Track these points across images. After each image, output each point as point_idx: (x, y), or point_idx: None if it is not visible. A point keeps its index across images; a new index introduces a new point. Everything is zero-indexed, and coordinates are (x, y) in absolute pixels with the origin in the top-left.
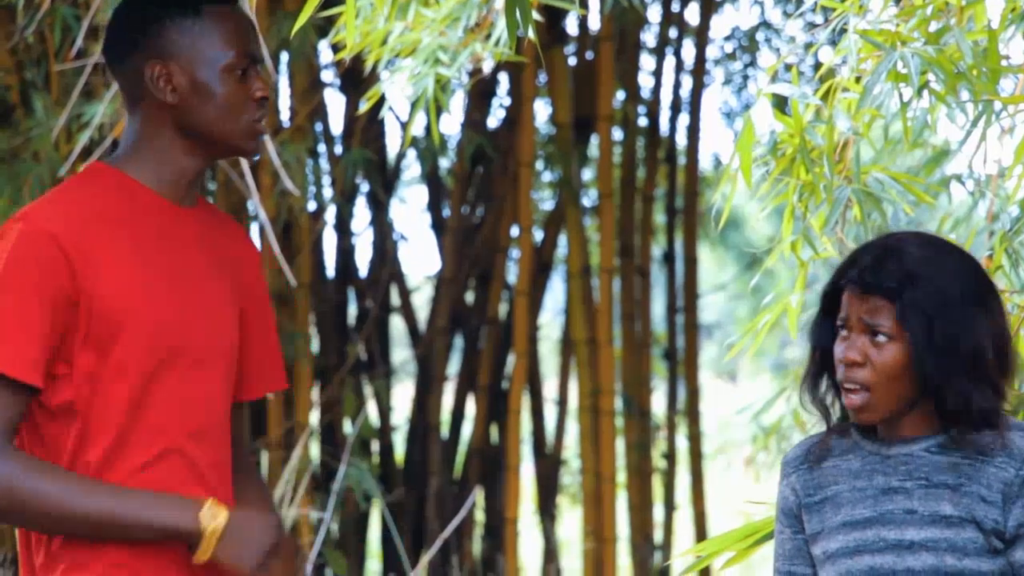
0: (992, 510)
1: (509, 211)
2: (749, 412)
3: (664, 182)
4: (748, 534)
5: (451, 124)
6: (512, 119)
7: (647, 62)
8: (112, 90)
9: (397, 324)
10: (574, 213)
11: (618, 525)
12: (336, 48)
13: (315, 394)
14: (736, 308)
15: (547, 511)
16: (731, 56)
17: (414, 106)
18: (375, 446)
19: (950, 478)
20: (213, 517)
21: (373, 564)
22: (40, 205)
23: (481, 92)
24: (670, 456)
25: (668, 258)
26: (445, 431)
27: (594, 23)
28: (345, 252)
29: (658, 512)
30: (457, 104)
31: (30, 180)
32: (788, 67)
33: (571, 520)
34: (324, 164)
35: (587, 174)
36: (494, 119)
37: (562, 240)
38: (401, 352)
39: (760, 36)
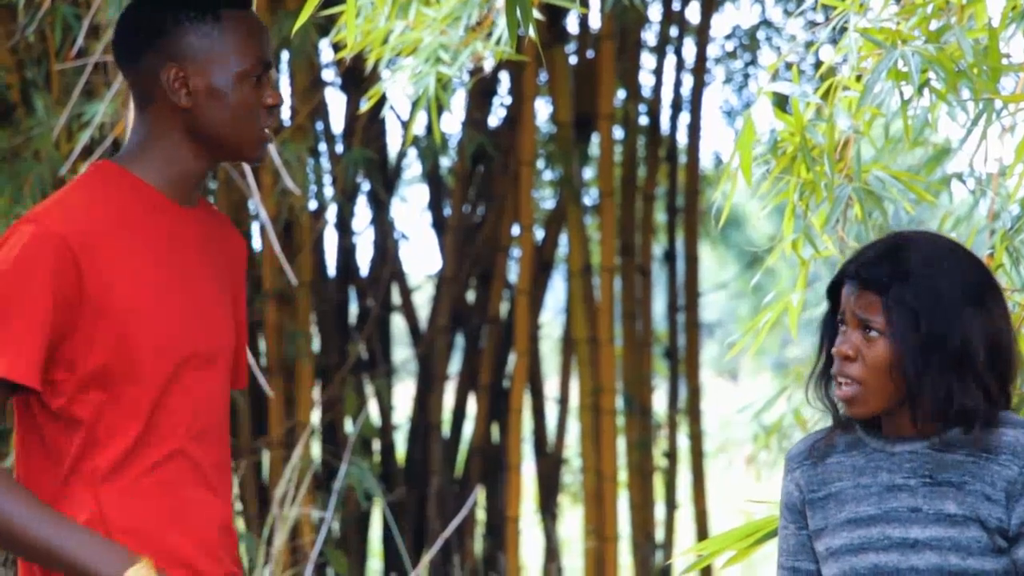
0: (996, 508)
1: (510, 210)
2: (750, 411)
3: (665, 181)
4: (749, 533)
5: (452, 123)
6: (513, 118)
7: (648, 61)
8: (113, 89)
9: (398, 323)
10: (575, 212)
11: (619, 524)
12: (337, 47)
13: (316, 393)
14: (737, 307)
15: (548, 510)
16: (732, 55)
17: (415, 105)
18: (376, 445)
19: (954, 476)
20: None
21: (374, 563)
22: (51, 207)
23: (482, 91)
24: (671, 455)
25: (669, 257)
26: (446, 430)
27: (595, 22)
28: (346, 251)
29: (659, 511)
30: (458, 103)
31: (31, 179)
32: (789, 65)
33: (572, 519)
34: (325, 163)
35: (588, 173)
36: (495, 118)
37: (563, 239)
38: (402, 351)
39: (761, 35)
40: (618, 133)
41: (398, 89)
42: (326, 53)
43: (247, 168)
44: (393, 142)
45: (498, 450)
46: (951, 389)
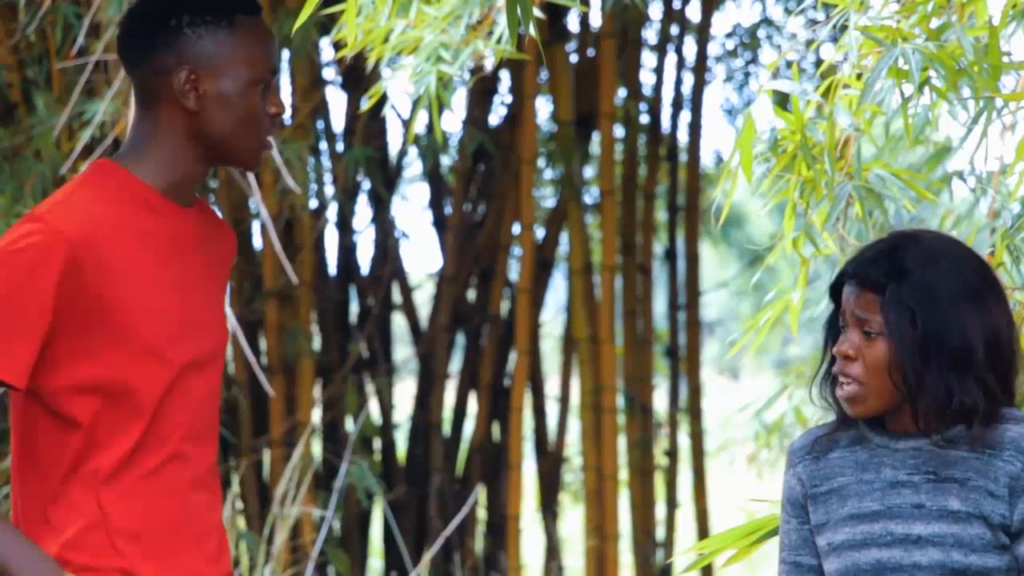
0: (999, 505)
1: (511, 208)
2: (751, 409)
3: (666, 179)
4: (750, 532)
5: (453, 121)
6: (514, 116)
7: (648, 59)
8: (114, 88)
9: (399, 322)
10: (576, 210)
11: (620, 522)
12: (338, 46)
13: (317, 392)
14: (738, 305)
15: (549, 509)
16: (732, 53)
17: (416, 103)
18: (377, 444)
19: (958, 472)
20: None
21: (375, 562)
22: (55, 206)
23: (483, 89)
24: (672, 453)
25: (670, 255)
26: (447, 429)
27: (595, 20)
28: (347, 250)
29: (660, 510)
30: (459, 101)
31: (32, 178)
32: (789, 64)
33: (573, 518)
34: (326, 162)
35: (589, 171)
36: (496, 116)
37: (564, 237)
38: (403, 350)
39: (761, 33)
40: (619, 131)
41: (399, 88)
42: (327, 52)
43: None
44: (394, 140)
45: (499, 449)
46: (951, 387)
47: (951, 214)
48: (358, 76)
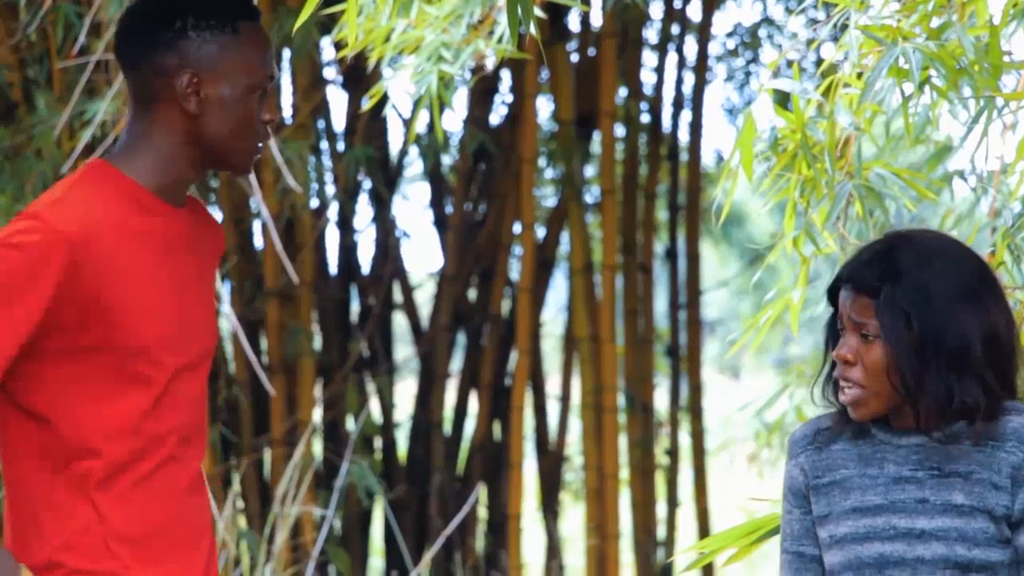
0: (1003, 496)
1: (511, 208)
2: (752, 409)
3: (666, 178)
4: (751, 531)
5: (453, 121)
6: (514, 116)
7: (649, 58)
8: (114, 88)
9: (400, 321)
10: (576, 210)
11: (621, 521)
12: (339, 45)
13: (318, 391)
14: (739, 304)
15: (550, 508)
16: (733, 52)
17: (417, 103)
18: (378, 443)
19: (961, 466)
20: None
21: (376, 561)
22: (52, 205)
23: (483, 89)
24: (673, 453)
25: (671, 254)
26: (448, 428)
27: (596, 19)
28: (347, 249)
29: (661, 509)
30: (460, 101)
31: (33, 177)
32: (790, 63)
33: (574, 516)
34: (326, 161)
35: (589, 171)
36: (496, 116)
37: (564, 237)
38: (403, 349)
39: (762, 32)
40: (620, 131)
41: (400, 87)
42: (328, 51)
43: None
44: (395, 140)
45: (500, 448)
46: (951, 387)
47: (952, 213)
48: (359, 76)
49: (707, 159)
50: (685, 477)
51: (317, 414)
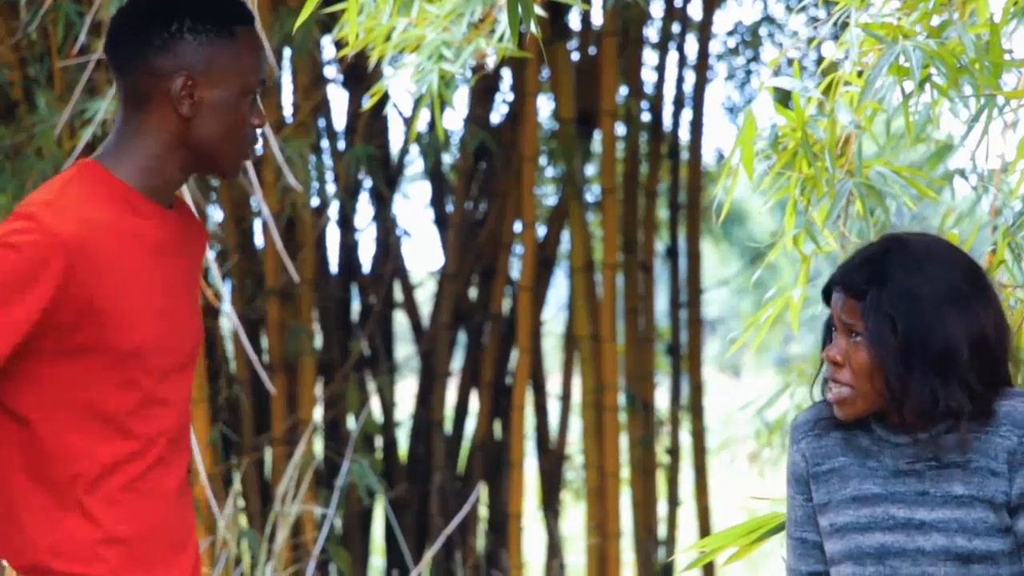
0: (1001, 482)
1: (512, 207)
2: (753, 408)
3: (667, 177)
4: (751, 529)
5: (454, 119)
6: (515, 114)
7: (650, 57)
8: (115, 86)
9: (400, 320)
10: (577, 208)
11: (622, 520)
12: (339, 44)
13: (318, 390)
14: (740, 303)
15: (551, 507)
16: (734, 51)
17: (417, 102)
18: (378, 442)
19: (958, 456)
20: None
21: (376, 560)
22: (47, 206)
23: (484, 88)
24: (673, 451)
25: (671, 253)
26: (448, 427)
27: (597, 18)
28: (348, 248)
29: (662, 508)
30: (460, 99)
31: (33, 176)
32: (790, 61)
33: (575, 515)
34: (327, 160)
35: (590, 169)
36: (497, 115)
37: (565, 235)
38: (404, 348)
39: (763, 31)
40: (620, 130)
41: (400, 86)
42: (328, 50)
43: (249, 165)
44: (395, 139)
45: (500, 447)
46: (935, 390)
47: (953, 212)
48: (360, 74)
49: (708, 157)
50: (686, 476)
51: (318, 413)
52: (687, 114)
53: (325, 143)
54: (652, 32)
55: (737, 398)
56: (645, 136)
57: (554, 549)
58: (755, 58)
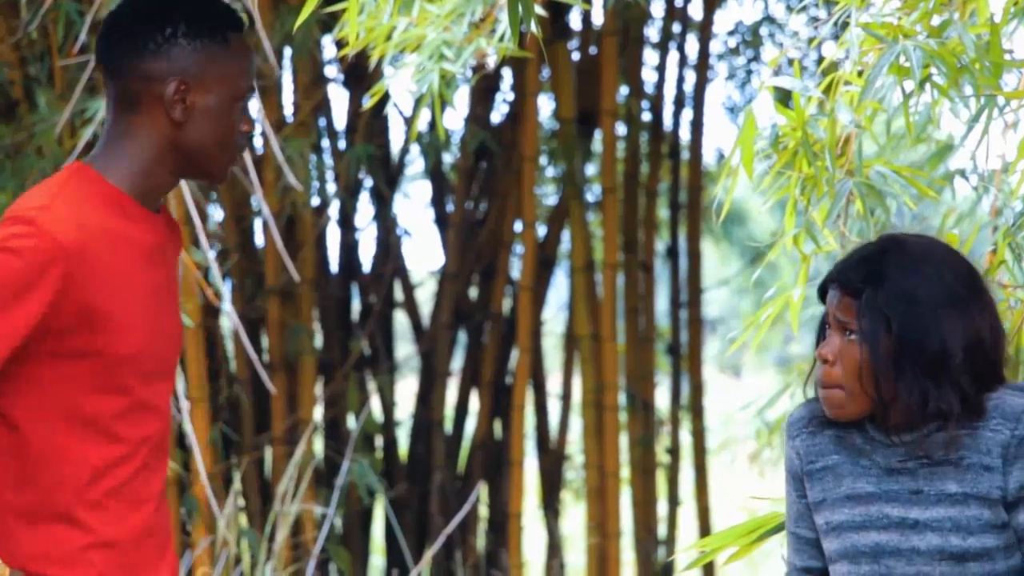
0: (995, 477)
1: (512, 206)
2: (753, 407)
3: (668, 177)
4: (751, 529)
5: (455, 119)
6: (516, 114)
7: (650, 57)
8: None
9: (401, 319)
10: (577, 208)
11: (622, 520)
12: (340, 43)
13: (319, 389)
14: (740, 303)
15: (551, 506)
16: (734, 51)
17: (418, 101)
18: (379, 441)
19: (951, 453)
20: None
21: (376, 559)
22: (44, 210)
23: (485, 87)
24: (674, 451)
25: (672, 253)
26: (448, 426)
27: (597, 18)
28: (348, 247)
29: (662, 507)
30: (461, 99)
31: (34, 175)
32: (791, 61)
33: (575, 515)
34: (328, 159)
35: (591, 169)
36: (498, 114)
37: (566, 235)
38: (404, 347)
39: (763, 31)
40: (621, 129)
41: (401, 85)
42: (329, 49)
43: (250, 164)
44: (396, 138)
45: (500, 446)
46: (926, 392)
47: (953, 212)
48: (360, 74)
49: (708, 157)
50: (686, 476)
51: (318, 412)
52: (687, 114)
53: (326, 142)
54: (653, 32)
55: (737, 398)
56: (645, 136)
57: (554, 549)
58: (755, 58)
